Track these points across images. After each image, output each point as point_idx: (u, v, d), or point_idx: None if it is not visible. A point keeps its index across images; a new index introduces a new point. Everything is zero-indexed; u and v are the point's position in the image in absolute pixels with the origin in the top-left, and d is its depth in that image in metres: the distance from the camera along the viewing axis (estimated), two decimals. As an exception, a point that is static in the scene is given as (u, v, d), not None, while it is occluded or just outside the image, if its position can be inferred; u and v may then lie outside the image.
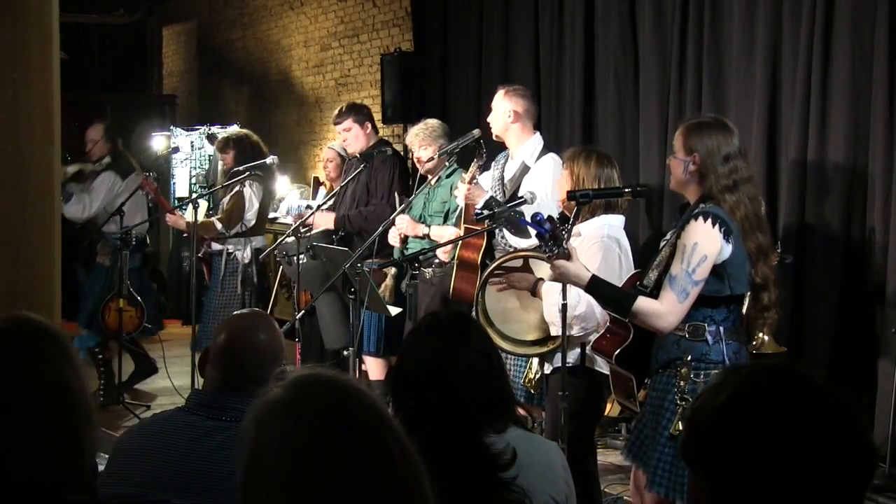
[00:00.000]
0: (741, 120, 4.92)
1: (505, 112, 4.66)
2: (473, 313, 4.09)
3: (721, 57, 5.15)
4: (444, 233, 5.07)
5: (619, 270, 3.72)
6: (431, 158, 5.26)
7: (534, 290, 3.84)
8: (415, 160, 5.43)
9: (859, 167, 4.55)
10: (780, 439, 1.24)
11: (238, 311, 2.64)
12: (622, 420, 5.31)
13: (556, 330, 3.77)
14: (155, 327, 6.45)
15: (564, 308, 3.54)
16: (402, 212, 5.19)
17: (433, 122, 5.49)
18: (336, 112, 6.04)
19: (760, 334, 4.10)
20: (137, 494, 2.25)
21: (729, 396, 1.29)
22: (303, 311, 4.76)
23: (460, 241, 4.61)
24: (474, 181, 4.56)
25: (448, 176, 5.22)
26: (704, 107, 5.18)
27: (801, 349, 4.63)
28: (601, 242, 3.74)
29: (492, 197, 4.42)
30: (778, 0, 4.84)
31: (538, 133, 4.80)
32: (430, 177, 5.29)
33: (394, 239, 5.28)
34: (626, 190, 3.60)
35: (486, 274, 4.01)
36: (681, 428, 3.04)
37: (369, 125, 5.87)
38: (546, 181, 4.47)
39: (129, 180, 6.34)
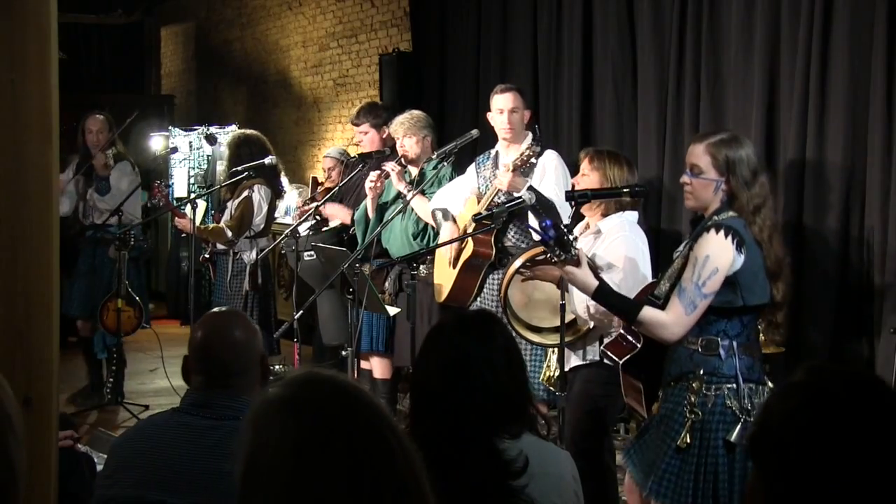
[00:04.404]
0: (739, 120, 4.93)
1: (523, 113, 4.71)
2: (499, 304, 4.12)
3: (719, 56, 5.15)
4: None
5: (642, 262, 3.75)
6: (425, 160, 5.29)
7: (559, 283, 3.84)
8: (398, 149, 5.45)
9: (857, 167, 4.55)
10: (850, 449, 1.23)
11: (208, 313, 2.63)
12: (622, 420, 5.31)
13: (580, 321, 3.84)
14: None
15: (563, 308, 3.55)
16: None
17: (418, 113, 5.54)
18: (356, 112, 6.05)
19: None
20: (134, 496, 2.25)
21: (803, 399, 1.29)
22: (301, 311, 4.76)
23: (473, 241, 4.59)
24: (521, 169, 4.40)
25: (433, 168, 5.19)
26: (703, 106, 5.19)
27: (799, 349, 4.63)
28: (623, 237, 3.78)
29: (531, 186, 4.33)
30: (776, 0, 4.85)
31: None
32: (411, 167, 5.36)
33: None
34: (625, 190, 3.60)
35: (512, 268, 4.01)
36: (689, 441, 3.03)
37: (386, 129, 5.88)
38: (558, 175, 4.49)
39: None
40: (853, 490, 1.22)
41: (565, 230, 3.11)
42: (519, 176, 4.37)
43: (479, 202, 4.73)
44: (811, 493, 1.24)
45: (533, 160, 4.40)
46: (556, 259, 3.11)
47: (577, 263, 3.11)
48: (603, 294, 3.14)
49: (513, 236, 4.61)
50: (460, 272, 4.67)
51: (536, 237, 3.98)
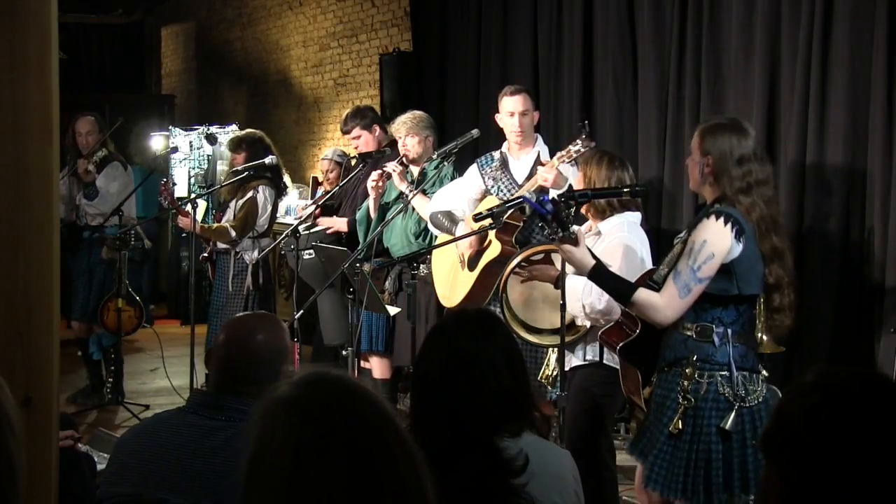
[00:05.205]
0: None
1: (533, 115, 4.70)
2: (497, 306, 4.11)
3: (720, 56, 5.15)
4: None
5: (640, 266, 3.75)
6: (419, 160, 5.29)
7: (556, 283, 3.84)
8: (400, 148, 5.45)
9: (858, 167, 4.55)
10: (870, 445, 1.25)
11: (240, 314, 2.65)
12: (622, 420, 5.31)
13: (579, 321, 3.86)
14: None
15: (563, 308, 3.55)
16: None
17: (420, 113, 5.56)
18: (342, 120, 6.08)
19: (759, 334, 4.10)
20: (136, 493, 2.25)
21: (822, 398, 1.30)
22: (301, 311, 4.76)
23: (497, 241, 4.57)
24: (571, 164, 4.22)
25: (435, 168, 5.18)
26: (703, 106, 5.19)
27: (800, 349, 4.63)
28: (621, 239, 3.78)
29: (570, 185, 4.23)
30: None
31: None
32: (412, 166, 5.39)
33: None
34: (625, 190, 3.61)
35: (509, 267, 4.01)
36: (681, 426, 3.06)
37: (377, 128, 5.91)
38: (573, 176, 4.48)
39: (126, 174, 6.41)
40: (870, 485, 1.24)
41: (564, 207, 3.12)
42: (561, 175, 4.28)
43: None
44: (829, 488, 1.25)
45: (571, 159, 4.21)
46: (553, 236, 3.12)
47: (575, 242, 3.11)
48: (599, 274, 3.16)
49: (535, 235, 4.59)
50: (482, 273, 4.61)
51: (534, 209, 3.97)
